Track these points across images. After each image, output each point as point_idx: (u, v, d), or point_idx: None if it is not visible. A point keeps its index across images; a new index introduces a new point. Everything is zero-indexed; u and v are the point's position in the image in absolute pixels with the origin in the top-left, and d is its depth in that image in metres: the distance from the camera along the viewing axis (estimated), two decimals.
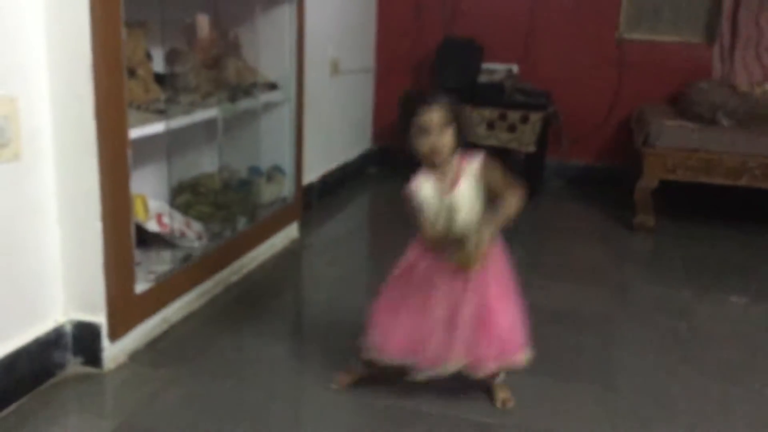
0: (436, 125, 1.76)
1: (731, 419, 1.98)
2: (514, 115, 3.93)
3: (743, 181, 3.49)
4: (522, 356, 1.87)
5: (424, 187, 1.83)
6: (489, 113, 3.96)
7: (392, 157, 4.57)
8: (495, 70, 4.27)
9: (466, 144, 1.81)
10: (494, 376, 1.94)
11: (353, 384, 2.03)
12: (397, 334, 1.87)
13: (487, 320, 1.80)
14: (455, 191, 1.79)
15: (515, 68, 4.33)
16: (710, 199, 3.95)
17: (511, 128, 3.93)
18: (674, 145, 3.52)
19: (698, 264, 3.21)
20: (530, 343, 1.89)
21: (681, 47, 4.25)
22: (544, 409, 1.96)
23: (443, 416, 1.92)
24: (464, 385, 1.96)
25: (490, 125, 3.96)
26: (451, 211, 1.80)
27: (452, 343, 1.81)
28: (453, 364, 1.83)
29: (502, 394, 1.96)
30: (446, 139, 1.76)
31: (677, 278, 3.04)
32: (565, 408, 1.95)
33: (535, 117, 3.92)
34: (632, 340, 2.43)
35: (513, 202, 1.79)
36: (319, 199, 3.78)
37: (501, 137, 3.97)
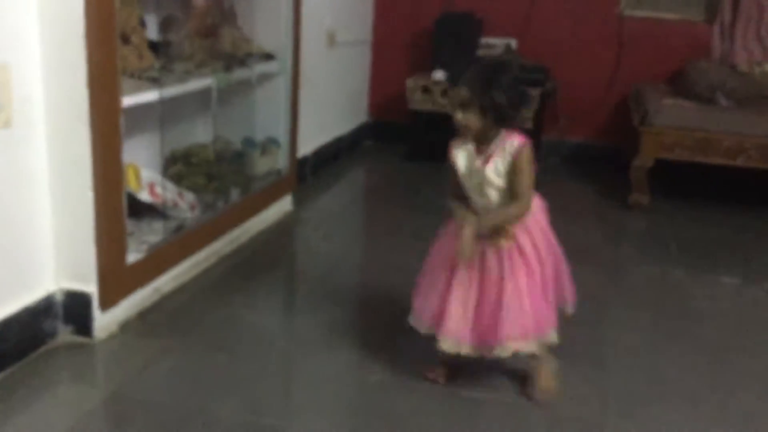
0: (458, 103, 1.79)
1: (722, 397, 1.98)
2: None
3: (739, 162, 3.48)
4: (548, 335, 1.85)
5: (459, 154, 1.86)
6: None
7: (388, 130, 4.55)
8: (493, 44, 4.22)
9: (510, 126, 1.80)
10: (531, 357, 1.90)
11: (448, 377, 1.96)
12: (429, 303, 1.88)
13: (504, 301, 1.79)
14: (486, 166, 1.80)
15: (514, 43, 4.29)
16: (706, 179, 3.94)
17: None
18: (671, 124, 3.50)
19: (692, 244, 3.21)
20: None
21: (681, 25, 4.21)
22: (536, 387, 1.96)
23: (434, 389, 1.92)
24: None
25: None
26: (481, 183, 1.81)
27: (466, 326, 1.82)
28: (465, 347, 1.83)
29: (544, 382, 1.92)
30: (470, 118, 1.77)
31: (671, 258, 3.04)
32: (558, 386, 1.95)
33: (533, 93, 3.88)
34: (625, 319, 2.44)
35: (513, 211, 1.78)
36: (313, 172, 3.75)
37: None
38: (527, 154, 1.77)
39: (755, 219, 3.55)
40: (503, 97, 1.72)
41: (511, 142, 1.78)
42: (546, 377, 1.92)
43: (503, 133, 1.80)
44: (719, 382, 2.06)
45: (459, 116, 1.79)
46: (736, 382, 2.07)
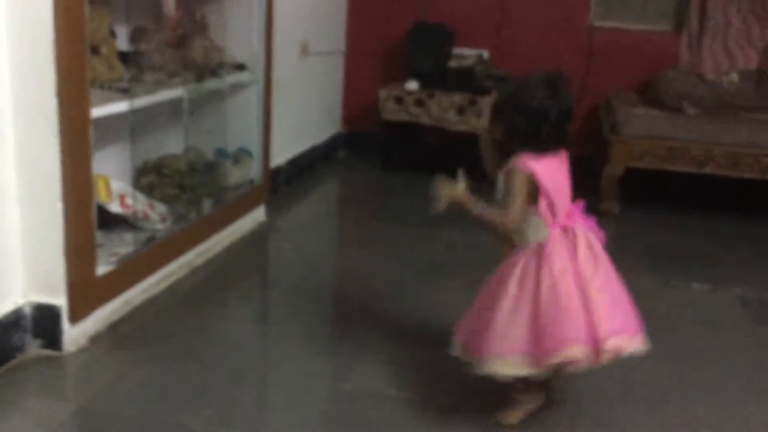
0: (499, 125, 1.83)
1: (692, 402, 2.01)
2: (484, 101, 3.93)
3: (708, 170, 3.53)
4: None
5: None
6: (459, 98, 3.95)
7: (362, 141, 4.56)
8: (466, 55, 4.25)
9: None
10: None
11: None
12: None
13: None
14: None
15: (486, 54, 4.33)
16: (675, 187, 4.00)
17: (481, 114, 3.93)
18: (641, 133, 3.55)
19: (662, 251, 3.24)
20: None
21: (650, 36, 4.27)
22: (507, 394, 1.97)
23: (407, 398, 1.92)
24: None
25: (460, 110, 3.95)
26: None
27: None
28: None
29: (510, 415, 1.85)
30: (501, 137, 1.81)
31: (642, 265, 3.07)
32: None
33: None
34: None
35: (496, 216, 1.75)
36: (287, 183, 3.75)
37: (471, 122, 3.96)
38: (514, 175, 1.72)
39: (724, 226, 3.60)
40: (535, 116, 1.72)
41: (511, 163, 1.75)
42: (516, 411, 1.84)
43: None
44: (689, 387, 2.09)
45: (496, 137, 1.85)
46: (706, 389, 2.09)
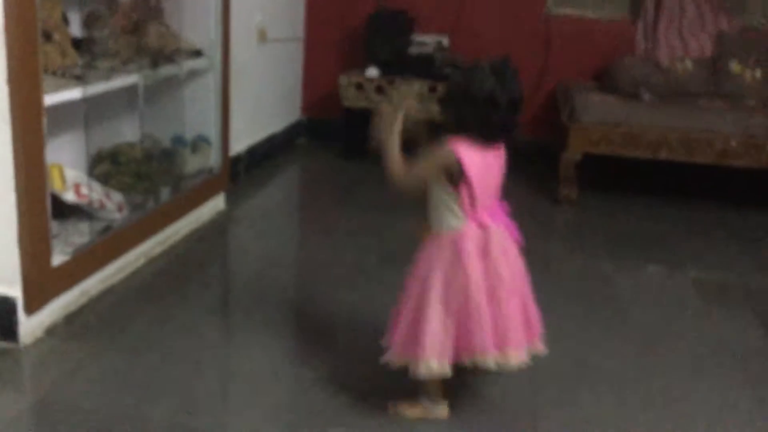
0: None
1: (648, 382, 2.05)
2: (444, 88, 3.93)
3: (663, 155, 3.60)
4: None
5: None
6: (419, 85, 3.96)
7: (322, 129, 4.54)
8: (425, 42, 4.26)
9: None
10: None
11: None
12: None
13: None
14: None
15: (445, 40, 4.33)
16: (632, 173, 4.06)
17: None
18: (598, 120, 3.59)
19: (619, 236, 3.30)
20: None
21: (606, 24, 4.32)
22: (467, 376, 1.99)
23: (369, 385, 1.92)
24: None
25: (420, 98, 3.95)
26: None
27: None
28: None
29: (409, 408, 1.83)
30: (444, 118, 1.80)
31: (598, 249, 3.12)
32: (490, 376, 1.99)
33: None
34: (555, 309, 2.47)
35: (395, 163, 1.75)
36: (246, 171, 3.72)
37: (431, 110, 3.97)
38: (439, 151, 1.70)
39: (680, 210, 3.67)
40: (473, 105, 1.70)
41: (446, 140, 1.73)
42: (415, 407, 1.83)
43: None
44: (645, 368, 2.14)
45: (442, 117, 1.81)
46: (660, 369, 2.14)
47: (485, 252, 1.70)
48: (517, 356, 1.72)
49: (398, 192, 1.76)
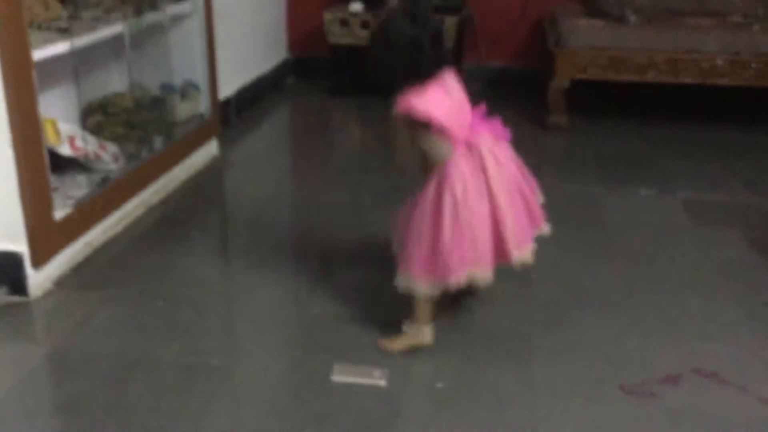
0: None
1: (638, 302, 2.13)
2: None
3: (649, 77, 3.61)
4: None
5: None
6: None
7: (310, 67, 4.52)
8: None
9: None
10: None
11: None
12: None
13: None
14: None
15: None
16: (620, 97, 4.08)
17: None
18: (584, 45, 3.59)
19: (609, 160, 3.34)
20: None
21: None
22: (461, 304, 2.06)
23: (370, 319, 2.00)
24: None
25: None
26: None
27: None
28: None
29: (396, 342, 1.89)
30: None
31: (589, 174, 3.17)
32: (481, 303, 2.06)
33: (450, 21, 3.91)
34: (547, 235, 2.55)
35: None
36: (237, 114, 3.73)
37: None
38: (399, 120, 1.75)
39: (668, 133, 3.71)
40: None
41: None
42: (399, 339, 1.87)
43: None
44: (636, 289, 2.21)
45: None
46: (651, 288, 2.21)
47: (479, 165, 1.75)
48: (526, 251, 1.85)
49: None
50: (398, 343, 1.87)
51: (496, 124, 1.84)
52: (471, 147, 1.76)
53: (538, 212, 1.93)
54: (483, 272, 1.75)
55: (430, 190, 1.76)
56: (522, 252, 1.83)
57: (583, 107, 3.89)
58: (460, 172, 1.73)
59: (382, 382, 1.74)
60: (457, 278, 1.74)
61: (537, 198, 1.94)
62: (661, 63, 3.57)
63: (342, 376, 1.76)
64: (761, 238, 2.53)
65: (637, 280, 2.26)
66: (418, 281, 1.77)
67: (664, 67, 3.57)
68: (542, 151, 3.59)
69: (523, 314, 2.04)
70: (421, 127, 1.73)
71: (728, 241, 2.53)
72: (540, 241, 2.45)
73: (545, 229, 1.95)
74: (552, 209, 2.82)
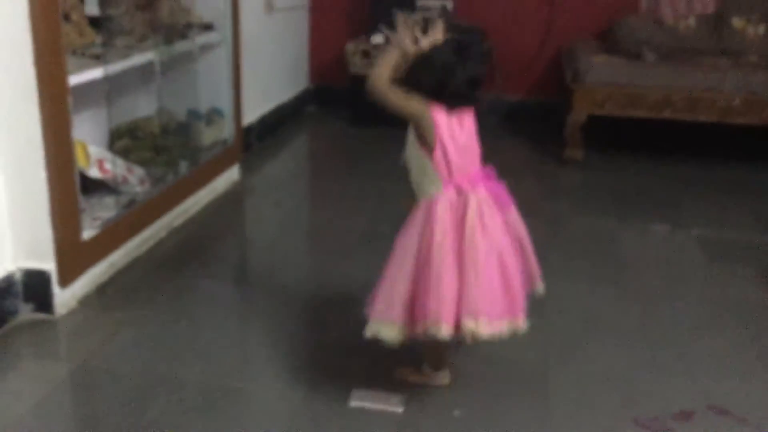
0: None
1: (654, 338, 2.15)
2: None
3: (666, 114, 3.65)
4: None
5: None
6: None
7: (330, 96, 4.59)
8: (430, 6, 4.29)
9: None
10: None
11: None
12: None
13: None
14: None
15: (449, 4, 4.36)
16: (637, 133, 4.12)
17: None
18: (602, 81, 3.65)
19: (624, 195, 3.38)
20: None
21: None
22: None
23: (386, 346, 2.02)
24: None
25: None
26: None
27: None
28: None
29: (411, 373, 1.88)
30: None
31: (604, 209, 3.20)
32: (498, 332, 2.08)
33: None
34: (561, 268, 2.58)
35: (383, 67, 1.70)
36: (258, 141, 3.79)
37: None
38: (415, 101, 1.68)
39: (683, 169, 3.74)
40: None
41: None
42: (417, 373, 1.86)
43: None
44: (650, 324, 2.23)
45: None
46: (666, 323, 2.23)
47: (461, 218, 1.66)
48: (492, 327, 1.66)
49: (370, 94, 1.73)
50: (415, 378, 1.88)
51: (500, 187, 1.77)
52: (460, 193, 1.68)
53: (518, 298, 1.73)
54: (439, 327, 1.63)
55: (405, 229, 1.70)
56: (480, 324, 1.64)
57: (600, 142, 3.93)
58: (441, 217, 1.65)
59: (400, 409, 1.77)
60: (423, 327, 1.65)
61: (526, 282, 1.78)
62: (677, 101, 3.62)
63: (360, 401, 1.79)
64: None
65: (651, 315, 2.28)
66: (383, 327, 1.69)
67: (681, 105, 3.61)
68: (558, 184, 3.63)
69: (540, 345, 2.07)
70: (423, 140, 1.69)
71: (742, 279, 2.55)
72: (555, 273, 2.49)
73: (520, 325, 1.73)
74: (567, 242, 2.87)
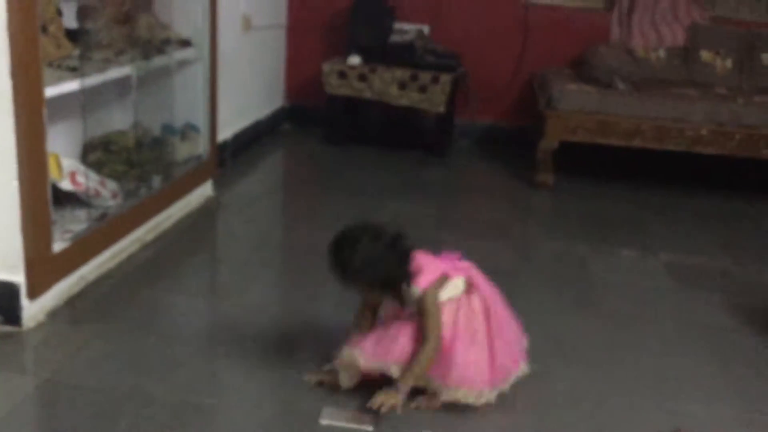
0: (361, 291, 1.87)
1: (621, 360, 2.18)
2: (425, 76, 4.03)
3: (636, 142, 3.73)
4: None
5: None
6: (401, 73, 4.05)
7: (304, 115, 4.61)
8: (406, 30, 4.34)
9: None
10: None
11: None
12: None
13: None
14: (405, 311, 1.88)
15: (426, 29, 4.42)
16: (606, 159, 4.19)
17: (422, 89, 4.04)
18: (574, 108, 3.71)
19: (594, 220, 3.43)
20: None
21: (583, 13, 4.43)
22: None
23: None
24: None
25: (402, 85, 4.05)
26: None
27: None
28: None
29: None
30: (375, 296, 1.87)
31: (574, 233, 3.25)
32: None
33: (446, 78, 4.03)
34: (533, 290, 2.61)
35: (425, 356, 1.79)
36: (233, 157, 3.79)
37: (412, 97, 4.07)
38: (430, 299, 1.81)
39: (653, 196, 3.81)
40: (375, 269, 1.76)
41: (415, 291, 1.81)
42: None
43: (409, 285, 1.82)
44: (618, 347, 2.26)
45: (371, 298, 1.88)
46: (633, 347, 2.27)
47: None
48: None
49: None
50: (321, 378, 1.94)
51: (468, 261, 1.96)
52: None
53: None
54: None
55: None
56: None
57: (571, 167, 3.99)
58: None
59: (371, 428, 1.77)
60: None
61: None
62: (647, 130, 3.70)
63: (330, 419, 1.79)
64: (741, 304, 2.60)
65: (619, 338, 2.32)
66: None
67: (651, 134, 3.69)
68: (529, 208, 3.68)
69: None
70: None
71: (709, 304, 2.60)
72: (524, 296, 2.52)
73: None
74: (537, 265, 2.91)
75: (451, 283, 1.87)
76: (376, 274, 1.78)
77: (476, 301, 1.87)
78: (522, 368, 1.95)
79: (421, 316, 1.82)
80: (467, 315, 1.86)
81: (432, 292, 1.82)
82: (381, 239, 1.79)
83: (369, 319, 1.94)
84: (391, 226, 1.84)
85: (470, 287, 1.89)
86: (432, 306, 1.81)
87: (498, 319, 1.89)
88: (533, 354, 2.16)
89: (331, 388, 1.90)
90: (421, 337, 1.81)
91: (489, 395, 1.85)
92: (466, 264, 1.94)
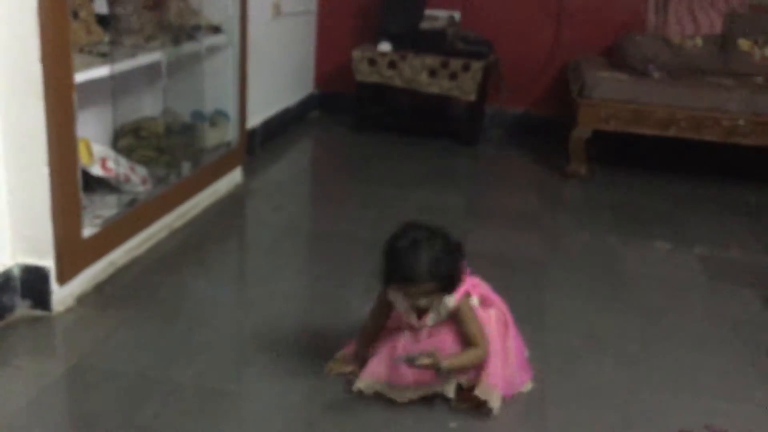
0: (415, 295, 1.76)
1: (653, 354, 2.14)
2: (456, 63, 3.99)
3: (671, 132, 3.65)
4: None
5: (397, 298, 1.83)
6: (431, 60, 4.01)
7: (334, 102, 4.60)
8: (437, 16, 4.30)
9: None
10: None
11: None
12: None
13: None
14: (420, 322, 1.82)
15: (457, 15, 4.37)
16: (640, 149, 4.12)
17: (453, 76, 4.00)
18: (608, 97, 3.65)
19: (627, 211, 3.37)
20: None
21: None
22: None
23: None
24: None
25: (432, 73, 4.01)
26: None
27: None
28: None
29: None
30: (428, 300, 1.77)
31: (606, 224, 3.19)
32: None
33: (477, 66, 3.98)
34: (562, 283, 2.58)
35: (472, 356, 1.79)
36: (262, 144, 3.79)
37: (443, 85, 4.03)
38: (466, 306, 1.79)
39: (687, 187, 3.74)
40: (439, 270, 1.71)
41: (450, 300, 1.77)
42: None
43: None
44: (650, 342, 2.22)
45: (423, 302, 1.76)
46: (665, 342, 2.22)
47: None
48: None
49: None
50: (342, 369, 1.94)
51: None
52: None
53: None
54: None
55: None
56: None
57: (604, 157, 3.93)
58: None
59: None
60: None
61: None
62: (683, 119, 3.62)
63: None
64: None
65: (651, 332, 2.27)
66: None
67: (686, 123, 3.61)
68: (560, 198, 3.62)
69: (538, 360, 2.05)
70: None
71: (743, 299, 2.54)
72: (555, 287, 2.49)
73: None
74: (568, 257, 2.87)
75: (472, 299, 1.86)
76: (441, 276, 1.72)
77: (493, 314, 1.87)
78: (527, 386, 1.92)
79: (460, 325, 1.79)
80: (487, 325, 1.85)
81: (466, 300, 1.81)
82: (437, 239, 1.74)
83: (379, 326, 1.92)
84: (436, 225, 1.80)
85: (484, 302, 1.88)
86: (471, 312, 1.80)
87: (512, 334, 1.90)
88: (562, 346, 2.14)
89: (353, 374, 1.90)
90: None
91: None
92: (476, 280, 1.91)
